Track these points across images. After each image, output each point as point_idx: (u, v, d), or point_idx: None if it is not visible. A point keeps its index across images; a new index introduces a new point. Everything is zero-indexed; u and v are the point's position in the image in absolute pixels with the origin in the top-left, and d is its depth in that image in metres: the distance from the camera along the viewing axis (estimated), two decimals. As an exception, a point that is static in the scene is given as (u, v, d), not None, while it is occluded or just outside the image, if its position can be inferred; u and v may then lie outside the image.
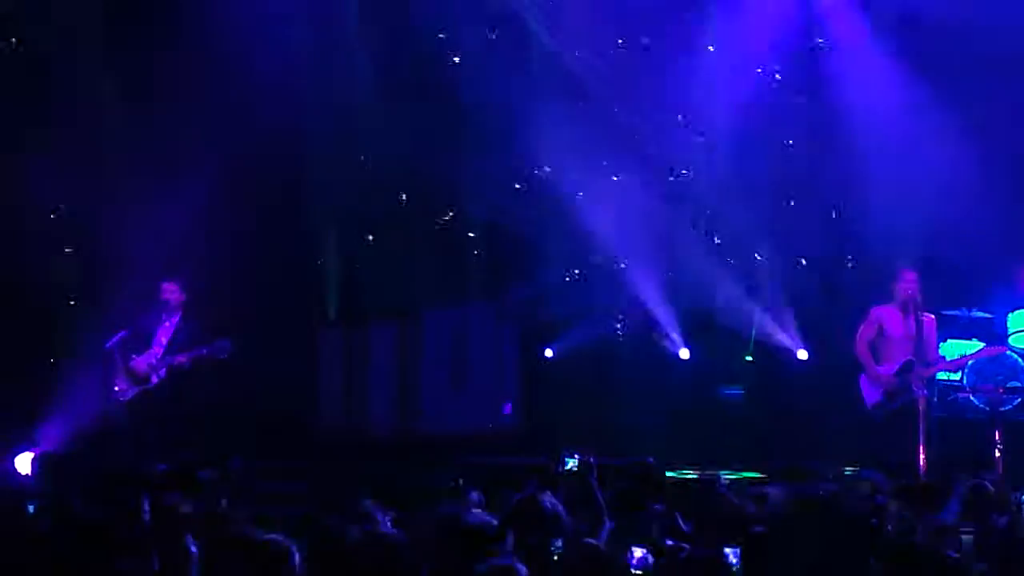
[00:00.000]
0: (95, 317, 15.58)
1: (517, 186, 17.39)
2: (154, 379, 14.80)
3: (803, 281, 17.40)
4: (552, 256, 17.58)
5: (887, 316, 14.33)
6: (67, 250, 16.16)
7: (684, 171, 17.44)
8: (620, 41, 17.25)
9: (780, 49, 17.37)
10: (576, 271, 17.58)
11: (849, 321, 14.95)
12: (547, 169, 17.37)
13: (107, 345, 14.95)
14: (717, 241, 17.38)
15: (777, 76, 17.32)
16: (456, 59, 17.23)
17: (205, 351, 14.74)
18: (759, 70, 17.36)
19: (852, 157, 17.19)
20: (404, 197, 17.45)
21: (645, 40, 17.26)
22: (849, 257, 17.41)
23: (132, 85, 16.25)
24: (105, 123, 16.25)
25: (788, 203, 17.40)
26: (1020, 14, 16.28)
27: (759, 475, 14.16)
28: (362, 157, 17.36)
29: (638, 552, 8.27)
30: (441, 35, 17.19)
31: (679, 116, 17.45)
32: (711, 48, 17.31)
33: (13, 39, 16.03)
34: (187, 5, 16.15)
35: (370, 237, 17.47)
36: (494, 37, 17.16)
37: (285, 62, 16.24)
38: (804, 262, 17.42)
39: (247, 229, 16.37)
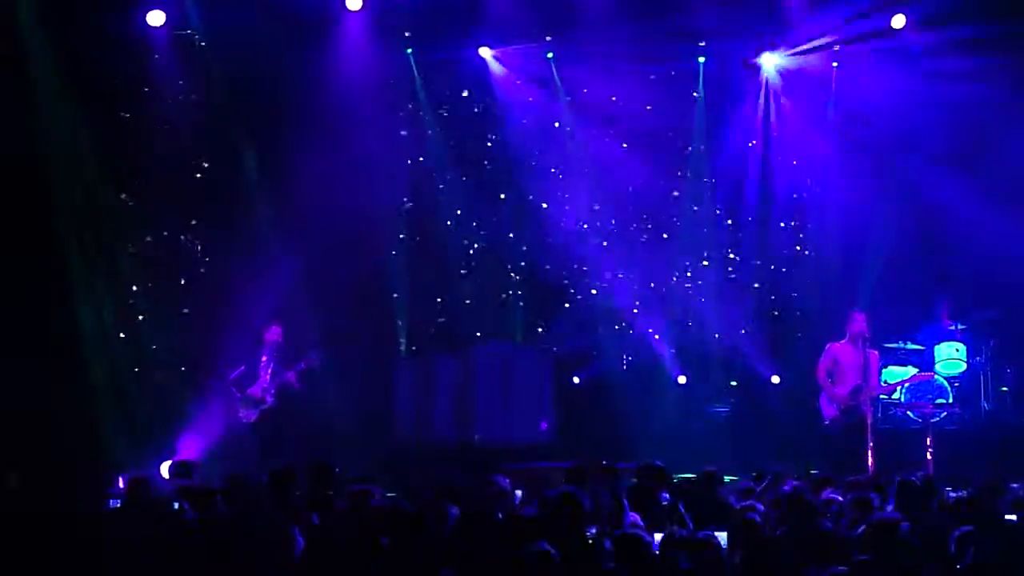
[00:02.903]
0: (220, 356, 15.71)
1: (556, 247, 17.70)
2: (268, 400, 15.05)
3: (777, 322, 17.67)
4: (579, 304, 17.80)
5: (841, 350, 14.38)
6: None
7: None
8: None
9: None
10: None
11: (811, 354, 15.07)
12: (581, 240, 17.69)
13: (230, 378, 15.17)
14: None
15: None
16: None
17: (303, 364, 15.03)
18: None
19: (819, 232, 17.57)
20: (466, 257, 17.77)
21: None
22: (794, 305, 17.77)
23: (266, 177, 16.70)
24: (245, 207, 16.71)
25: (770, 268, 17.74)
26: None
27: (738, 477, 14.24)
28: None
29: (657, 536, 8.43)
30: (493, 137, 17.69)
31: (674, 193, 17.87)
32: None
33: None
34: (309, 121, 16.42)
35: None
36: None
37: (362, 168, 16.57)
38: (776, 313, 17.75)
39: (339, 284, 16.43)
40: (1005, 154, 16.55)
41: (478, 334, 17.65)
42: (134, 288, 16.28)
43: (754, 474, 11.53)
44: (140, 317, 16.26)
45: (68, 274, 15.52)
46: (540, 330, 17.77)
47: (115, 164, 16.06)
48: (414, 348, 17.54)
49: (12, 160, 15.02)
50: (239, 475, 10.78)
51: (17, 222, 15.09)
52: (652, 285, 17.75)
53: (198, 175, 16.65)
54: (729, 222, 17.80)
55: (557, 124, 17.74)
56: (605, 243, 17.73)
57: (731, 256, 17.81)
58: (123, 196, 16.24)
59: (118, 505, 10.54)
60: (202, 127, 16.55)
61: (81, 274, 15.62)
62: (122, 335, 16.08)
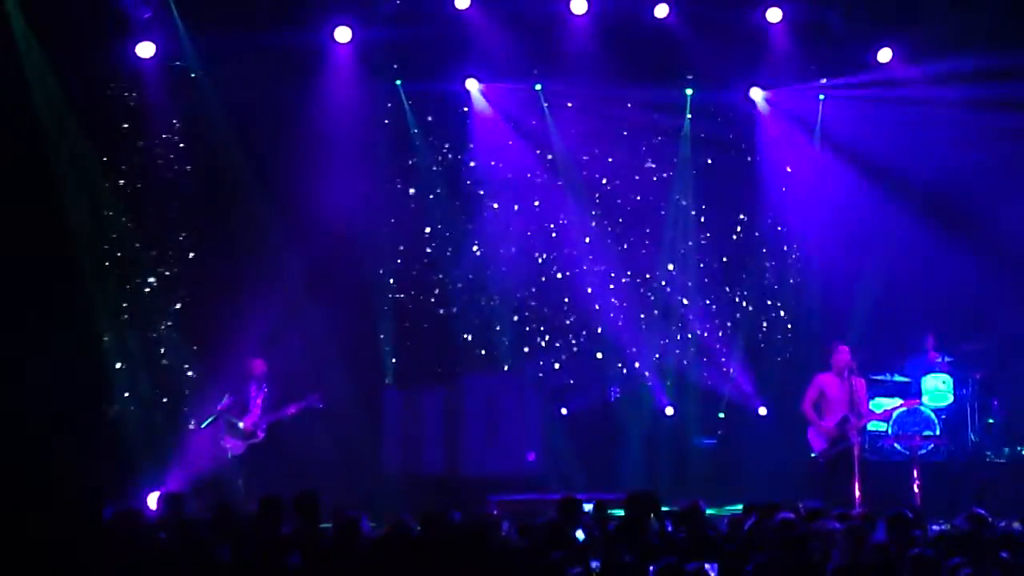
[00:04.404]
0: (207, 387, 15.72)
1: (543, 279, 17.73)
2: (259, 435, 14.96)
3: (765, 354, 17.68)
4: (566, 335, 17.78)
5: (827, 381, 14.31)
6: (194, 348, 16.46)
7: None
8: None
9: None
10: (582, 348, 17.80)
11: (798, 385, 15.06)
12: (567, 273, 17.73)
13: (218, 409, 14.97)
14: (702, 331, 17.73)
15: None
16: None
17: (305, 403, 14.95)
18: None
19: (807, 265, 17.65)
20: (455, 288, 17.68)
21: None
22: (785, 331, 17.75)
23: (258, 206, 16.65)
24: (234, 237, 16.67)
25: (758, 301, 17.76)
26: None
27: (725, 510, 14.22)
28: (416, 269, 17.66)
29: None
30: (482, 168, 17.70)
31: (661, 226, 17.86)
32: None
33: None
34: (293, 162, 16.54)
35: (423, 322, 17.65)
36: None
37: (350, 200, 16.58)
38: (764, 345, 17.76)
39: (325, 316, 16.41)
40: (993, 193, 16.67)
41: (466, 365, 17.56)
42: (125, 316, 16.25)
43: (743, 506, 11.45)
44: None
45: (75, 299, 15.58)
46: (527, 362, 17.68)
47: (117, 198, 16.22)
48: (401, 379, 17.43)
49: (24, 197, 15.16)
50: (227, 506, 10.71)
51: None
52: (641, 317, 17.73)
53: (189, 205, 16.62)
54: (720, 255, 17.83)
55: (548, 156, 17.78)
56: (593, 276, 17.70)
57: (720, 289, 17.79)
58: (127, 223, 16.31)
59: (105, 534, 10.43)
60: (194, 159, 16.56)
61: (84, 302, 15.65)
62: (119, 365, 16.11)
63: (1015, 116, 16.33)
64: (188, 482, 14.95)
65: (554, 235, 17.77)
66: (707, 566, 8.30)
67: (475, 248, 17.71)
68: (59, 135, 15.63)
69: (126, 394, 15.99)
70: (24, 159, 15.18)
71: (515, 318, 17.73)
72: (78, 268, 15.75)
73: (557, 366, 17.65)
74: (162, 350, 16.34)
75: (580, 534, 9.58)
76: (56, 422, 14.56)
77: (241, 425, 14.92)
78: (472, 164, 17.73)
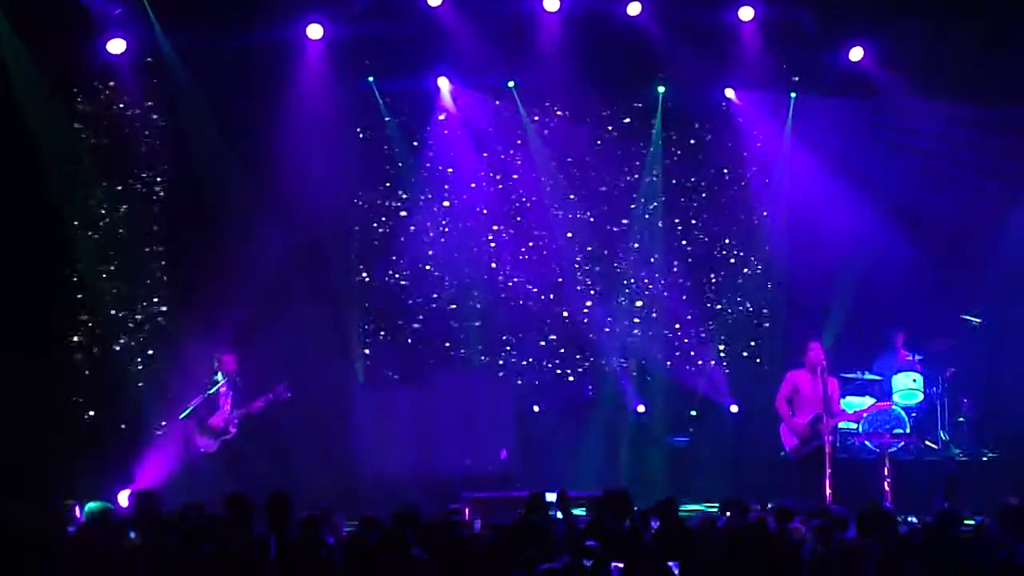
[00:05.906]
0: (178, 387, 15.66)
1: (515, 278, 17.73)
2: (231, 431, 14.92)
3: (735, 353, 17.69)
4: (539, 333, 17.74)
5: (800, 379, 14.36)
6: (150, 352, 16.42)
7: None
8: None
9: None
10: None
11: (770, 383, 15.10)
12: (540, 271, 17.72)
13: (188, 407, 14.83)
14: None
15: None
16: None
17: (272, 396, 14.89)
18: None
19: (778, 268, 17.66)
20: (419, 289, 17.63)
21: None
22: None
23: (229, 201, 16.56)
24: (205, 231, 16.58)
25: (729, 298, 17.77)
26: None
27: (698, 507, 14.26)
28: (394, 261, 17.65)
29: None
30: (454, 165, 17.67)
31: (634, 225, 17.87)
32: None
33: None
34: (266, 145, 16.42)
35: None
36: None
37: (324, 197, 16.54)
38: (732, 341, 17.77)
39: (296, 314, 16.36)
40: (963, 194, 16.79)
41: (438, 363, 17.50)
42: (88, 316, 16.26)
43: (719, 504, 11.47)
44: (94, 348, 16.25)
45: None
46: (500, 360, 17.65)
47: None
48: (372, 377, 17.36)
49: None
50: (197, 504, 10.66)
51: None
52: (614, 315, 17.73)
53: (159, 202, 16.60)
54: (693, 253, 17.85)
55: (521, 154, 17.77)
56: (565, 274, 17.70)
57: (692, 286, 17.80)
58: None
59: (74, 533, 10.37)
60: (166, 155, 16.53)
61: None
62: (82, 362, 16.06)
63: (988, 126, 16.48)
64: (160, 480, 14.83)
65: (529, 232, 17.76)
66: (671, 564, 8.33)
67: (443, 244, 17.66)
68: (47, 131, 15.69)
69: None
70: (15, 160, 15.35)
71: (488, 316, 17.66)
72: (67, 263, 15.94)
73: (529, 363, 17.61)
74: (134, 345, 16.30)
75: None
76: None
77: (212, 422, 14.84)
78: (447, 167, 17.68)
